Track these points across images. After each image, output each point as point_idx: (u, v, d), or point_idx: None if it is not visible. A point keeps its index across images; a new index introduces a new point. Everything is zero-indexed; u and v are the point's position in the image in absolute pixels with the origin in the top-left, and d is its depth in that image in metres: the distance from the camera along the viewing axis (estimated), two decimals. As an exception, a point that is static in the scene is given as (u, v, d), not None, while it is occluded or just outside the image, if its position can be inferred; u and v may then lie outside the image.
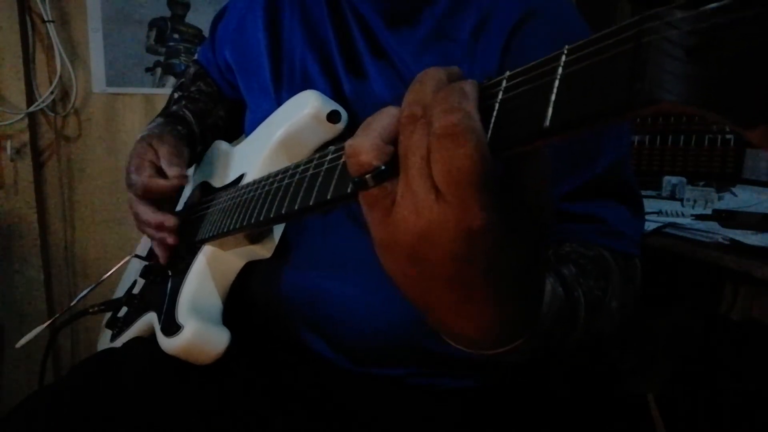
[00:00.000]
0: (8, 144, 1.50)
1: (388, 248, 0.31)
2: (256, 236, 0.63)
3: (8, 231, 1.55)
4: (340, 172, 0.37)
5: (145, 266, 0.82)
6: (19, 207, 1.55)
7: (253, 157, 0.67)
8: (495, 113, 0.28)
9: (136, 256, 0.83)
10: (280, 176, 0.49)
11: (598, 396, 1.24)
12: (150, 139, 0.72)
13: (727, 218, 1.04)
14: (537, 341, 0.38)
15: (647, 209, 1.17)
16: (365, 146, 0.29)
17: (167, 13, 1.58)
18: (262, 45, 0.71)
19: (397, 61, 0.61)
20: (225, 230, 0.58)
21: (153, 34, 1.58)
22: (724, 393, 1.18)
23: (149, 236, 0.72)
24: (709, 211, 1.15)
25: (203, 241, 0.65)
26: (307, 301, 0.63)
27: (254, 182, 0.56)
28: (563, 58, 0.25)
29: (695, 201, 1.27)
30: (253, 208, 0.52)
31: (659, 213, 1.17)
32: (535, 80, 0.26)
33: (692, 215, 1.15)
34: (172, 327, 0.60)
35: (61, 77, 1.52)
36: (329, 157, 0.39)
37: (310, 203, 0.39)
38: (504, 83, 0.28)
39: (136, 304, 0.76)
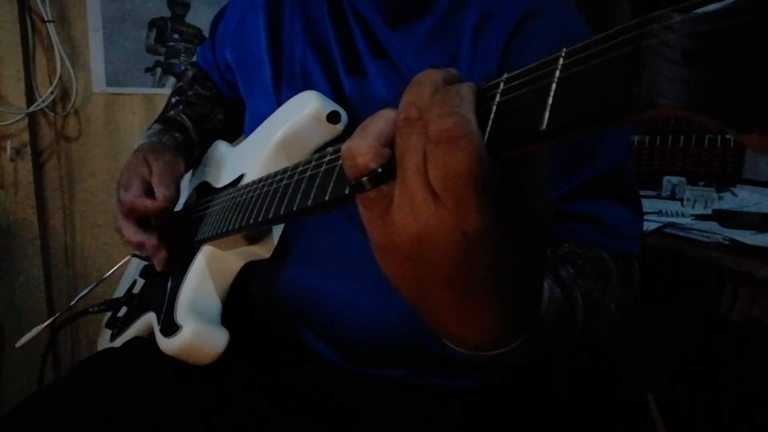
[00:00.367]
0: (8, 144, 1.50)
1: (386, 251, 0.31)
2: (256, 236, 0.63)
3: (8, 231, 1.56)
4: (337, 174, 0.37)
5: (145, 266, 0.82)
6: (19, 207, 1.56)
7: (252, 158, 0.67)
8: (492, 116, 0.27)
9: (136, 255, 0.83)
10: (279, 177, 0.49)
11: (598, 396, 1.24)
12: (146, 153, 0.71)
13: (727, 218, 1.04)
14: (535, 343, 0.38)
15: (647, 209, 1.17)
16: (362, 148, 0.29)
17: (167, 13, 1.58)
18: (262, 45, 0.71)
19: (398, 61, 0.61)
20: (224, 230, 0.58)
21: (153, 34, 1.58)
22: (724, 393, 1.18)
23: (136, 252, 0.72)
24: (709, 211, 1.15)
25: (202, 242, 0.65)
26: (306, 301, 0.63)
27: (253, 183, 0.56)
28: (561, 60, 0.25)
29: (695, 201, 1.27)
30: (252, 209, 0.52)
31: (659, 213, 1.17)
32: (532, 83, 0.26)
33: (692, 215, 1.15)
34: (171, 327, 0.60)
35: (61, 77, 1.53)
36: (327, 158, 0.39)
37: (308, 204, 0.39)
38: (501, 86, 0.28)
39: (136, 304, 0.76)
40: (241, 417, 0.64)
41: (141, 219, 0.69)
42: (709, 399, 1.21)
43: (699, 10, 0.19)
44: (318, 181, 0.39)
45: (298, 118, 0.61)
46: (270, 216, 0.47)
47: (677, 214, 1.16)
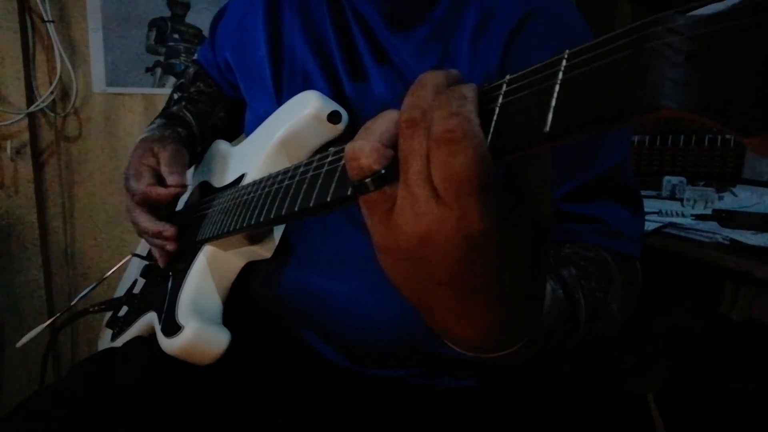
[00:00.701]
0: (8, 144, 1.50)
1: (388, 251, 0.31)
2: (257, 236, 0.63)
3: (8, 231, 1.56)
4: (339, 175, 0.37)
5: (146, 266, 0.82)
6: (19, 207, 1.55)
7: (253, 157, 0.67)
8: (495, 117, 0.27)
9: (136, 255, 0.83)
10: (280, 177, 0.49)
11: (598, 396, 1.24)
12: (151, 143, 0.71)
13: (727, 218, 1.04)
14: (537, 343, 0.38)
15: (647, 209, 1.17)
16: (365, 150, 0.29)
17: (167, 13, 1.58)
18: (262, 45, 0.71)
19: (398, 62, 0.61)
20: (225, 231, 0.58)
21: (153, 34, 1.58)
22: (724, 393, 1.18)
23: (148, 242, 0.72)
24: (709, 211, 1.15)
25: (204, 241, 0.65)
26: (307, 301, 0.63)
27: (254, 183, 0.56)
28: (564, 62, 0.25)
29: (695, 201, 1.27)
30: (254, 209, 0.52)
31: (659, 213, 1.17)
32: (535, 85, 0.26)
33: (692, 215, 1.15)
34: (172, 327, 0.60)
35: (61, 77, 1.52)
36: (329, 159, 0.39)
37: (310, 205, 0.39)
38: (504, 87, 0.28)
39: (137, 304, 0.76)
40: (242, 417, 0.64)
41: (154, 208, 0.69)
42: (709, 399, 1.21)
43: (702, 13, 0.19)
44: (320, 181, 0.39)
45: (299, 118, 0.61)
46: (271, 216, 0.47)
47: (677, 214, 1.16)
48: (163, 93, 1.60)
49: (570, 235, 0.55)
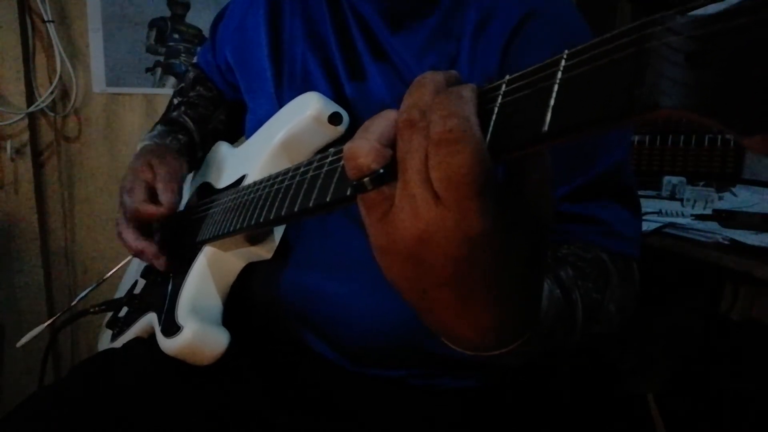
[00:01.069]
0: (8, 144, 1.50)
1: (387, 252, 0.31)
2: (257, 237, 0.63)
3: (8, 231, 1.56)
4: (339, 175, 0.37)
5: (146, 266, 0.82)
6: (19, 207, 1.55)
7: (254, 159, 0.67)
8: (494, 117, 0.27)
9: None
10: (280, 178, 0.49)
11: (598, 396, 1.24)
12: (150, 157, 0.71)
13: (727, 218, 1.04)
14: (535, 343, 0.38)
15: (647, 209, 1.17)
16: (364, 149, 0.29)
17: (167, 13, 1.58)
18: (262, 46, 0.71)
19: (398, 63, 0.61)
20: (225, 231, 0.58)
21: (153, 34, 1.58)
22: (724, 393, 1.18)
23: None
24: (709, 211, 1.15)
25: (204, 242, 0.65)
26: (307, 302, 0.63)
27: (255, 184, 0.56)
28: (563, 62, 0.25)
29: (695, 201, 1.27)
30: (254, 210, 0.52)
31: (659, 213, 1.17)
32: (534, 85, 0.26)
33: (692, 215, 1.15)
34: (172, 328, 0.60)
35: (61, 77, 1.53)
36: (329, 159, 0.39)
37: (310, 205, 0.39)
38: (503, 87, 0.28)
39: (137, 305, 0.76)
40: (242, 417, 0.64)
41: (143, 225, 0.69)
42: (709, 399, 1.21)
43: (701, 13, 0.20)
44: (319, 182, 0.39)
45: (300, 120, 0.61)
46: (271, 217, 0.47)
47: (677, 214, 1.16)
48: (163, 93, 1.60)
49: (568, 236, 0.55)
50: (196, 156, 0.80)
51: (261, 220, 0.49)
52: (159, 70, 1.61)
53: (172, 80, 1.61)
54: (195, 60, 0.94)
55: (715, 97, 0.19)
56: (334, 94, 0.65)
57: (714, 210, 1.12)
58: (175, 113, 0.82)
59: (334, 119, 0.61)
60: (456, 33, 0.59)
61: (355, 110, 0.62)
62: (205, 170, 0.81)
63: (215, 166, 0.78)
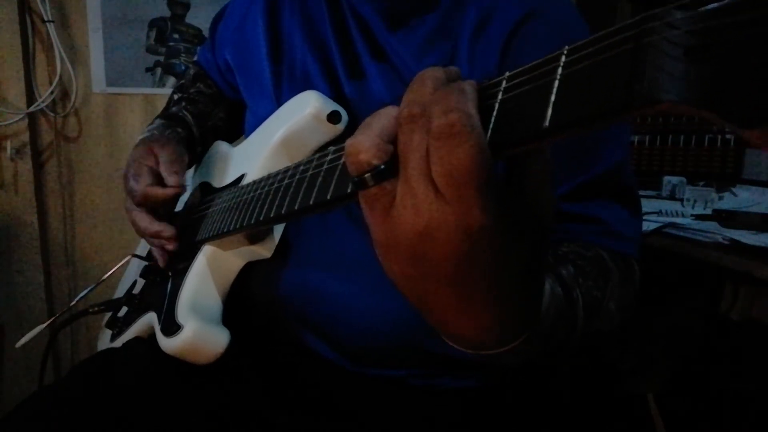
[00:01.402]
0: (8, 144, 1.50)
1: (388, 248, 0.31)
2: (256, 236, 0.63)
3: (8, 231, 1.56)
4: (340, 172, 0.37)
5: (145, 266, 0.82)
6: (19, 207, 1.56)
7: (253, 158, 0.67)
8: (495, 113, 0.28)
9: (136, 255, 0.83)
10: (280, 176, 0.49)
11: (598, 396, 1.24)
12: (150, 143, 0.71)
13: (727, 218, 1.04)
14: (536, 342, 0.38)
15: (647, 209, 1.17)
16: (365, 145, 0.29)
17: (167, 13, 1.58)
18: (262, 45, 0.71)
19: (397, 62, 0.61)
20: (225, 230, 0.58)
21: (153, 34, 1.58)
22: (724, 393, 1.18)
23: (148, 242, 0.72)
24: (709, 211, 1.15)
25: (203, 241, 0.65)
26: (307, 301, 0.63)
27: (254, 182, 0.56)
28: (563, 58, 0.25)
29: (695, 201, 1.27)
30: (253, 208, 0.52)
31: (659, 213, 1.17)
32: (534, 80, 0.26)
33: (692, 215, 1.15)
34: (171, 327, 0.60)
35: (61, 77, 1.53)
36: (329, 157, 0.39)
37: (310, 203, 0.39)
38: (504, 83, 0.28)
39: (136, 304, 0.76)
40: (242, 417, 0.64)
41: (153, 209, 0.69)
42: (709, 399, 1.21)
43: (700, 7, 0.20)
44: (320, 179, 0.39)
45: (299, 118, 0.61)
46: (271, 215, 0.47)
47: (677, 214, 1.16)
48: (163, 93, 1.60)
49: (569, 235, 0.55)
50: (195, 150, 0.80)
51: (261, 218, 0.49)
52: (159, 70, 1.61)
53: (172, 80, 1.61)
54: (195, 58, 0.94)
55: (715, 90, 0.19)
56: (333, 93, 0.65)
57: (714, 210, 1.12)
58: (174, 108, 0.82)
59: (333, 117, 0.61)
60: (455, 33, 0.59)
61: (354, 109, 0.63)
62: (205, 169, 0.81)
63: (214, 166, 0.78)
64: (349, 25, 0.65)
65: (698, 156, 1.42)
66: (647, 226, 1.05)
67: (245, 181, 0.64)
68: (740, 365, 1.18)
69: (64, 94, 1.56)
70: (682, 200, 1.31)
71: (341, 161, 0.37)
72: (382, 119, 0.30)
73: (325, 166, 0.39)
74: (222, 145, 0.81)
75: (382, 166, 0.29)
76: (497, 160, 0.27)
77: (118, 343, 0.73)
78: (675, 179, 1.37)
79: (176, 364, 0.61)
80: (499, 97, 0.28)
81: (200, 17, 1.60)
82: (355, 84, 0.64)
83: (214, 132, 0.84)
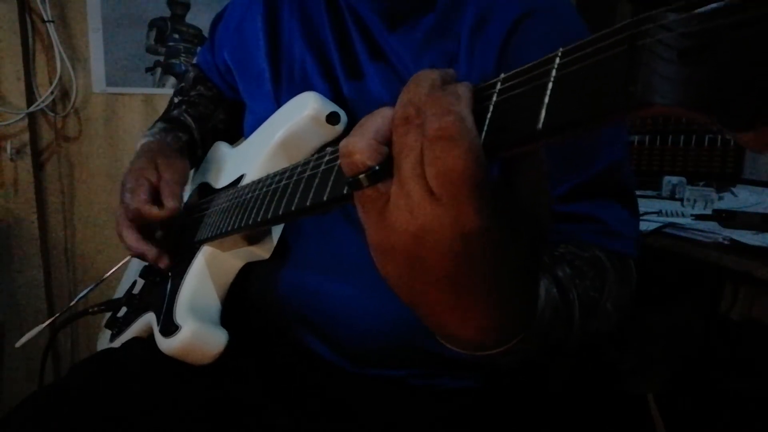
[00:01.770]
0: (8, 144, 1.50)
1: (383, 250, 0.31)
2: (255, 237, 0.63)
3: (8, 231, 1.56)
4: (336, 174, 0.37)
5: (145, 266, 0.82)
6: (19, 207, 1.56)
7: (252, 158, 0.67)
8: (489, 115, 0.28)
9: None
10: (278, 177, 0.49)
11: (598, 396, 1.24)
12: (155, 156, 0.71)
13: (727, 218, 1.04)
14: (533, 342, 0.38)
15: (647, 209, 1.17)
16: (359, 146, 0.29)
17: (167, 13, 1.58)
18: (261, 46, 0.71)
19: (396, 62, 0.61)
20: (224, 231, 0.58)
21: (153, 34, 1.58)
22: (724, 393, 1.18)
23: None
24: (709, 211, 1.15)
25: (202, 242, 0.65)
26: (305, 302, 0.63)
27: (253, 183, 0.56)
28: (557, 60, 0.25)
29: (695, 201, 1.27)
30: (252, 209, 0.52)
31: (659, 213, 1.17)
32: (529, 83, 0.26)
33: (692, 215, 1.15)
34: (170, 327, 0.60)
35: (61, 77, 1.53)
36: (327, 158, 0.39)
37: (307, 204, 0.39)
38: (498, 85, 0.28)
39: (136, 305, 0.77)
40: (241, 417, 0.64)
41: (144, 227, 0.69)
42: (709, 399, 1.21)
43: (695, 10, 0.20)
44: (317, 180, 0.39)
45: (298, 119, 0.61)
46: (269, 216, 0.47)
47: (677, 214, 1.16)
48: (163, 93, 1.60)
49: (566, 235, 0.55)
50: (196, 154, 0.80)
51: (258, 219, 0.49)
52: (159, 70, 1.61)
53: (172, 80, 1.61)
54: (195, 60, 0.94)
55: (708, 93, 0.19)
56: (332, 93, 0.65)
57: (714, 210, 1.12)
58: (175, 111, 0.82)
59: (332, 119, 0.61)
60: (454, 32, 0.59)
61: (353, 110, 0.63)
62: (204, 170, 0.81)
63: (214, 166, 0.78)
64: (347, 26, 0.65)
65: (698, 156, 1.41)
66: (647, 226, 1.05)
67: (244, 182, 0.64)
68: (740, 365, 1.18)
69: (64, 94, 1.56)
70: (682, 200, 1.31)
71: (337, 163, 0.37)
72: (377, 120, 0.30)
73: (321, 168, 0.39)
74: (222, 146, 0.81)
75: (377, 167, 0.29)
76: (492, 162, 0.27)
77: (118, 343, 0.73)
78: (675, 179, 1.37)
79: (175, 364, 0.61)
80: (494, 99, 0.28)
81: (200, 17, 1.59)
82: (354, 84, 0.64)
83: (214, 134, 0.84)
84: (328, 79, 0.66)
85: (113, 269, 0.88)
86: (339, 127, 0.61)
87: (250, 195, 0.55)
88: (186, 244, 0.69)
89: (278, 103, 0.68)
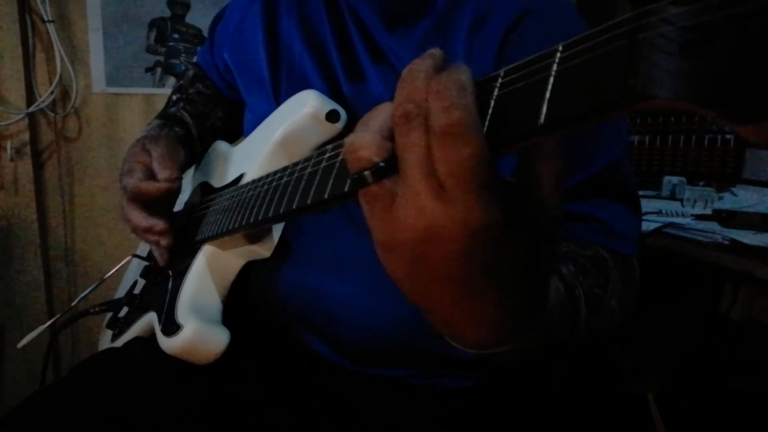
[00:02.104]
0: (8, 144, 1.50)
1: (389, 247, 0.30)
2: (256, 236, 0.63)
3: (8, 231, 1.56)
4: (338, 171, 0.37)
5: (146, 266, 0.82)
6: (19, 207, 1.55)
7: (252, 157, 0.67)
8: (491, 110, 0.27)
9: (136, 256, 0.83)
10: (278, 175, 0.49)
11: (598, 396, 1.24)
12: (144, 141, 0.71)
13: (727, 218, 1.04)
14: (541, 339, 0.37)
15: (647, 209, 1.17)
16: (365, 141, 0.29)
17: (167, 13, 1.58)
18: (260, 46, 0.71)
19: (395, 62, 0.61)
20: (224, 230, 0.58)
21: (153, 34, 1.58)
22: (724, 393, 1.18)
23: (143, 239, 0.72)
24: (709, 211, 1.15)
25: (203, 241, 0.65)
26: (306, 301, 0.63)
27: (253, 182, 0.56)
28: (558, 54, 0.25)
29: (695, 201, 1.27)
30: (252, 208, 0.52)
31: (659, 213, 1.17)
32: (530, 76, 0.26)
33: (692, 215, 1.15)
34: (172, 327, 0.60)
35: (61, 77, 1.52)
36: (327, 155, 0.39)
37: (308, 202, 0.39)
38: (500, 79, 0.28)
39: (137, 304, 0.77)
40: (241, 417, 0.64)
41: (147, 205, 0.69)
42: (709, 399, 1.21)
43: (695, 3, 0.20)
44: (317, 178, 0.39)
45: (298, 117, 0.61)
46: (269, 215, 0.47)
47: (677, 214, 1.16)
48: (163, 93, 1.60)
49: (568, 234, 0.55)
50: (193, 149, 0.80)
51: (259, 218, 0.49)
52: (159, 70, 1.61)
53: (172, 80, 1.61)
54: (195, 59, 0.94)
55: (709, 87, 0.19)
56: (332, 92, 0.65)
57: (714, 210, 1.12)
58: (173, 109, 0.82)
59: (332, 117, 0.61)
60: (453, 32, 0.59)
61: (352, 109, 0.63)
62: (204, 169, 0.81)
63: (214, 165, 0.78)
64: (347, 26, 0.65)
65: (698, 156, 1.41)
66: (647, 226, 1.04)
67: (244, 181, 0.64)
68: (740, 365, 1.18)
69: (64, 94, 1.56)
70: (682, 200, 1.31)
71: (338, 159, 0.37)
72: (381, 115, 0.30)
73: (322, 165, 0.39)
74: (222, 145, 0.81)
75: (382, 164, 0.29)
76: (497, 158, 0.27)
77: (119, 343, 0.73)
78: (675, 179, 1.37)
79: (176, 363, 0.61)
80: (495, 93, 0.28)
81: (200, 17, 1.60)
82: (353, 83, 0.64)
83: (212, 132, 0.84)
84: (328, 78, 0.66)
85: (114, 269, 0.88)
86: (339, 125, 0.61)
87: (250, 194, 0.55)
88: (187, 244, 0.69)
89: (278, 103, 0.68)
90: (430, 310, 0.33)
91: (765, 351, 1.11)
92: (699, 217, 1.12)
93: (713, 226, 1.03)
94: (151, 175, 0.68)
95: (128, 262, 0.90)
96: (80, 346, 1.69)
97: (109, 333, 0.79)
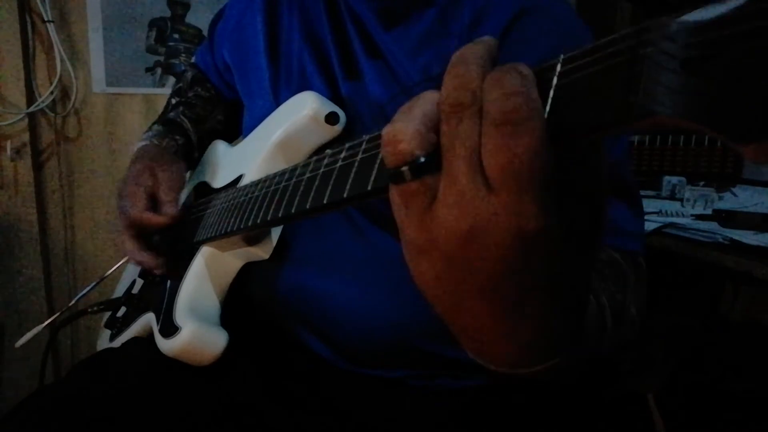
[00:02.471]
0: (8, 144, 1.50)
1: (423, 251, 0.27)
2: (255, 237, 0.63)
3: (8, 231, 1.56)
4: (335, 179, 0.36)
5: (145, 267, 0.82)
6: (19, 207, 1.56)
7: (251, 158, 0.67)
8: None
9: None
10: (278, 179, 0.49)
11: (598, 396, 1.24)
12: (150, 163, 0.70)
13: (727, 218, 1.04)
14: (577, 356, 0.33)
15: (647, 209, 1.17)
16: (408, 132, 0.26)
17: (167, 13, 1.58)
18: (260, 45, 0.71)
19: (392, 61, 0.61)
20: (223, 232, 0.58)
21: (153, 34, 1.58)
22: (724, 393, 1.18)
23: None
24: (709, 211, 1.15)
25: (202, 242, 0.65)
26: (305, 302, 0.63)
27: (252, 184, 0.56)
28: (558, 68, 0.24)
29: (695, 201, 1.27)
30: (252, 211, 0.52)
31: (659, 213, 1.17)
32: None
33: (692, 215, 1.15)
34: (170, 328, 0.60)
35: (61, 77, 1.53)
36: (326, 161, 0.39)
37: (307, 207, 0.39)
38: None
39: (135, 304, 0.76)
40: (240, 418, 0.64)
41: (144, 232, 0.69)
42: (709, 399, 1.21)
43: (699, 18, 0.19)
44: (316, 184, 0.39)
45: (297, 119, 0.61)
46: (269, 218, 0.47)
47: (677, 214, 1.16)
48: (163, 93, 1.60)
49: None
50: (192, 157, 0.80)
51: (258, 221, 0.49)
52: (159, 70, 1.61)
53: (172, 80, 1.61)
54: (193, 59, 0.94)
55: (711, 105, 0.18)
56: (331, 93, 0.65)
57: (714, 210, 1.12)
58: (172, 113, 0.82)
59: (331, 119, 0.61)
60: (450, 31, 0.59)
61: (351, 109, 0.63)
62: (203, 170, 0.81)
63: (212, 166, 0.78)
64: (345, 25, 0.65)
65: (698, 156, 1.41)
66: (647, 226, 1.04)
67: (243, 182, 0.64)
68: (740, 365, 1.18)
69: (64, 94, 1.56)
70: (682, 200, 1.31)
71: (337, 165, 0.37)
72: (426, 104, 0.27)
73: (321, 170, 0.39)
74: (220, 145, 0.81)
75: (423, 159, 0.26)
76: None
77: (117, 342, 0.73)
78: (675, 179, 1.37)
79: (175, 364, 0.61)
80: None
81: (200, 17, 1.59)
82: (352, 83, 0.64)
83: (211, 135, 0.84)
84: (327, 77, 0.66)
85: (113, 269, 0.88)
86: (338, 127, 0.61)
87: (249, 196, 0.55)
88: (185, 245, 0.69)
89: (277, 102, 0.68)
90: (459, 323, 0.30)
91: (765, 351, 1.11)
92: (699, 217, 1.12)
93: (713, 226, 1.03)
94: (153, 201, 0.68)
95: (127, 262, 0.90)
96: (80, 346, 1.70)
97: (107, 332, 0.79)
